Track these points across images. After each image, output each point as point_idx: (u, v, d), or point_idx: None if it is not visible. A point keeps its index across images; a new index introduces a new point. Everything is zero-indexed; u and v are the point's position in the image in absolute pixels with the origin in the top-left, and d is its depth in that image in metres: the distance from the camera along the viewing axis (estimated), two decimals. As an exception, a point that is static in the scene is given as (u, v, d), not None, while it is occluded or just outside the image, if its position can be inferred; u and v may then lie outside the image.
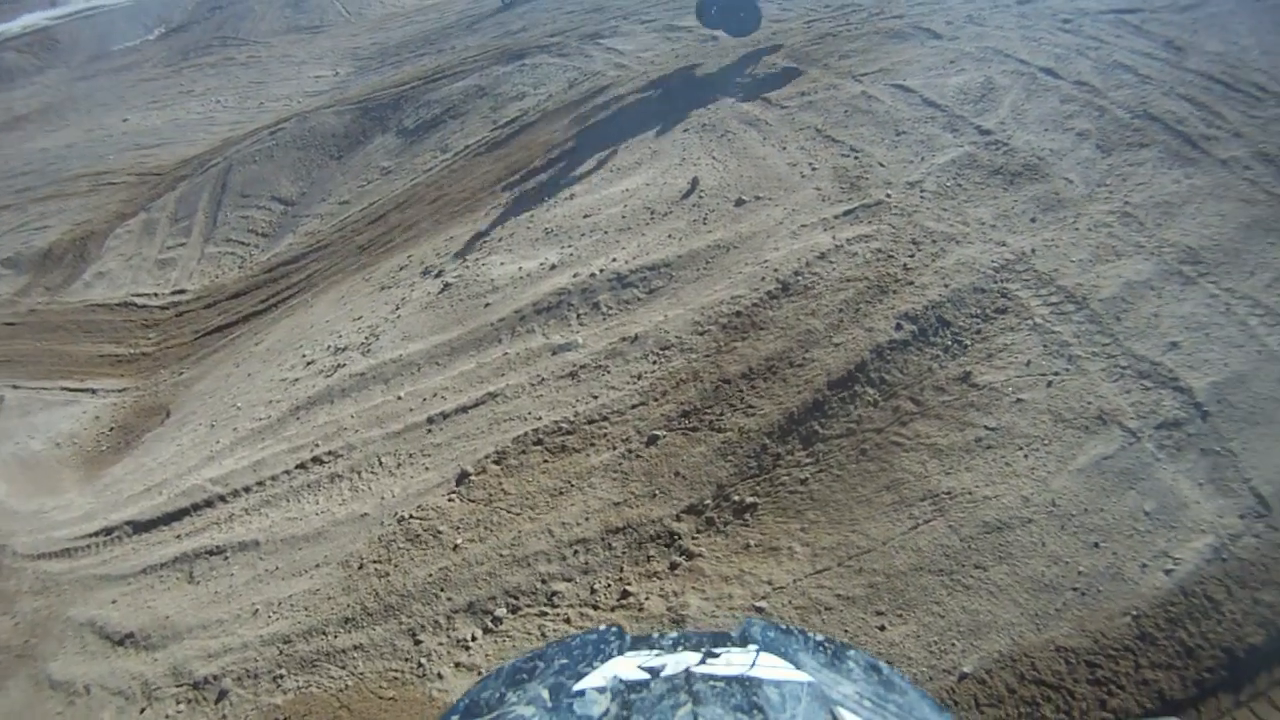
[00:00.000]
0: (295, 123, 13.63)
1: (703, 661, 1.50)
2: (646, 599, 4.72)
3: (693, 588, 4.73)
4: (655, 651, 1.60)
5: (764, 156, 8.05)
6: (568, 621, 4.72)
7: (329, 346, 7.87)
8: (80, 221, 13.05)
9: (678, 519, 5.10)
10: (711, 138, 8.68)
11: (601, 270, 7.07)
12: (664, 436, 5.55)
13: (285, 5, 22.58)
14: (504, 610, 4.84)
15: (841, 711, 1.35)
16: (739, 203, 7.42)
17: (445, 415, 6.28)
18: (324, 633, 5.08)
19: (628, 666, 1.52)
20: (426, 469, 5.95)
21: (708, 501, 5.16)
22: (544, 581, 4.95)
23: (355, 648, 4.94)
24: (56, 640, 5.81)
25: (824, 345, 5.78)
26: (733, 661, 1.50)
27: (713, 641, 1.62)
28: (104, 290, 11.32)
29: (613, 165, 8.92)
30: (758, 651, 1.55)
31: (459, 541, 5.29)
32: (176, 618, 5.59)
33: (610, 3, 14.60)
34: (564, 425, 5.83)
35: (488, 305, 7.26)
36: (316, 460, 6.37)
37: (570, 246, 7.66)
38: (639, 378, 5.99)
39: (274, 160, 12.91)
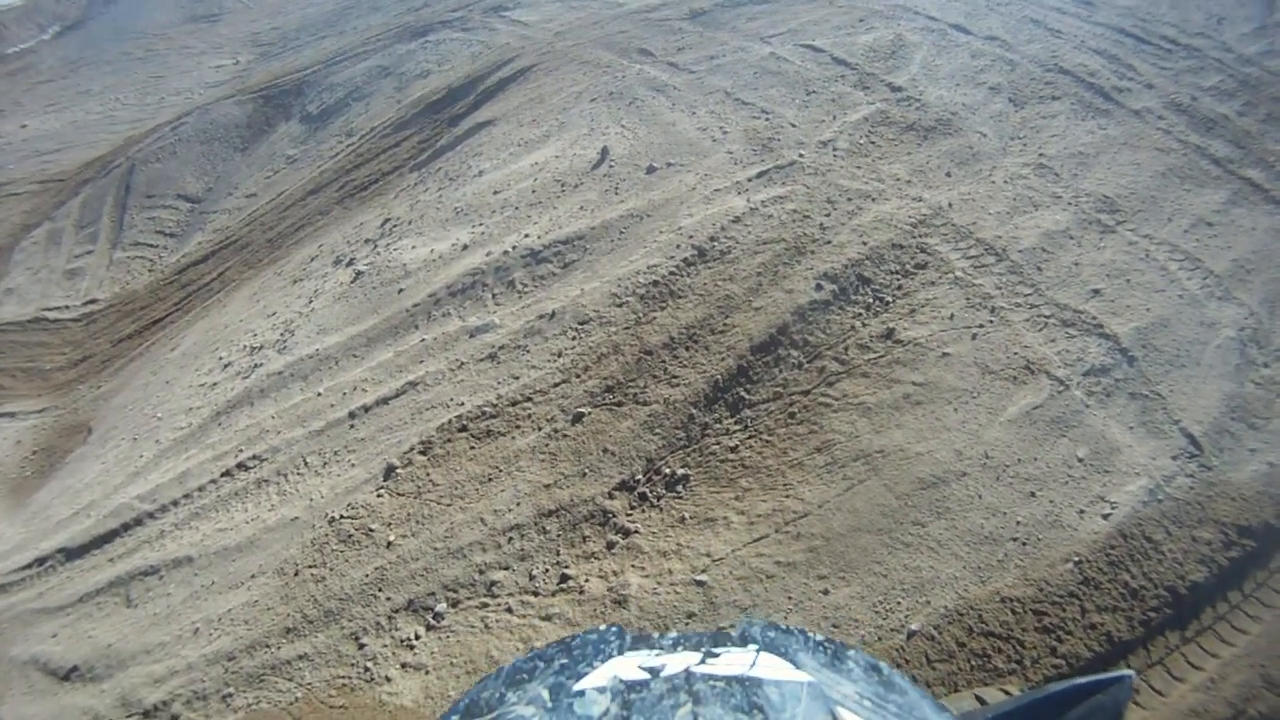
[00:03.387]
0: (197, 116, 13.15)
1: (703, 661, 1.49)
2: (586, 581, 4.64)
3: (632, 566, 4.67)
4: (655, 651, 1.59)
5: (673, 122, 7.94)
6: (509, 611, 4.62)
7: (245, 346, 7.60)
8: (-16, 238, 12.46)
9: (610, 497, 5.02)
10: (619, 106, 8.52)
11: (514, 247, 6.89)
12: (589, 413, 5.44)
13: (181, -7, 21.86)
14: (444, 605, 4.72)
15: (841, 711, 1.34)
16: (650, 170, 7.30)
17: (367, 409, 6.09)
18: (267, 645, 4.89)
19: (628, 666, 1.50)
20: (353, 465, 5.77)
21: (639, 476, 5.08)
22: (481, 572, 4.84)
23: (300, 657, 4.77)
24: (2, 682, 5.56)
25: (744, 310, 5.72)
26: (733, 661, 1.49)
27: (713, 641, 1.62)
28: (14, 308, 10.78)
29: (521, 139, 8.70)
30: (758, 651, 1.54)
31: (392, 538, 5.15)
32: (119, 645, 5.34)
33: (513, -28, 14.37)
34: (487, 409, 5.68)
35: (401, 291, 7.04)
36: (241, 466, 6.14)
37: (481, 225, 7.46)
38: (559, 355, 5.87)
39: (177, 157, 12.44)
